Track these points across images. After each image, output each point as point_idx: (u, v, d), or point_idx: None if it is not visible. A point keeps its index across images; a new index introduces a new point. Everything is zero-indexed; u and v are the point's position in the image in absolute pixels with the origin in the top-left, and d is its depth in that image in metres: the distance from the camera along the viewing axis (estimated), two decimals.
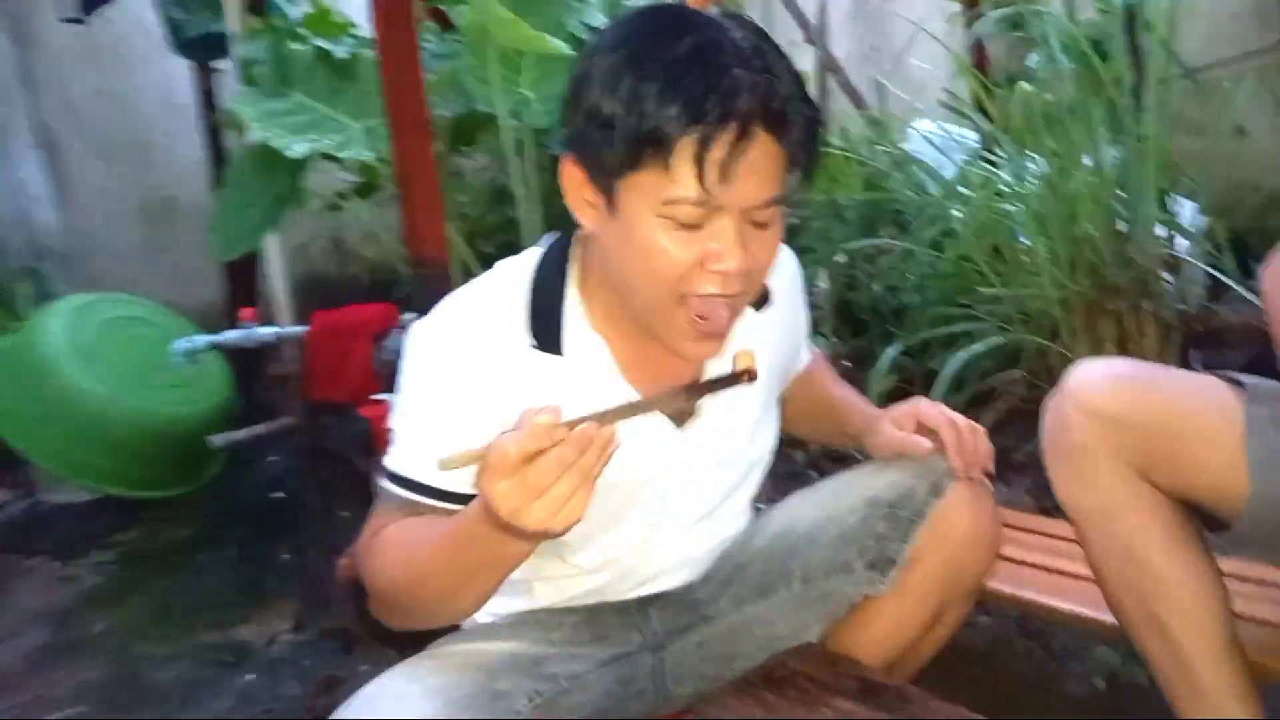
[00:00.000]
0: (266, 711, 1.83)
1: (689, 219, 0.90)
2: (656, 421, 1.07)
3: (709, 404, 1.10)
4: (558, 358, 1.02)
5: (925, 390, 2.11)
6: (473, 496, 0.96)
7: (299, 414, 2.78)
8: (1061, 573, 1.38)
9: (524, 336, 1.02)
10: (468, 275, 2.65)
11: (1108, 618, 1.25)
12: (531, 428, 0.78)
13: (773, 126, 0.89)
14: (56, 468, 2.83)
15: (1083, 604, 1.30)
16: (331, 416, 2.95)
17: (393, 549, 0.99)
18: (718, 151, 0.86)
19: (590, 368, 1.03)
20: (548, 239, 1.10)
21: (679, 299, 0.94)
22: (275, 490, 3.00)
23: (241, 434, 2.88)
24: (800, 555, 1.18)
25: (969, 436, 1.17)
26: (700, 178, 0.87)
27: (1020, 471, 2.08)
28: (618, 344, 1.04)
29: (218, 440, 2.80)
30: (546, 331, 1.02)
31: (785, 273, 1.19)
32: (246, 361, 3.34)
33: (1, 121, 3.48)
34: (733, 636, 1.19)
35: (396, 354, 2.74)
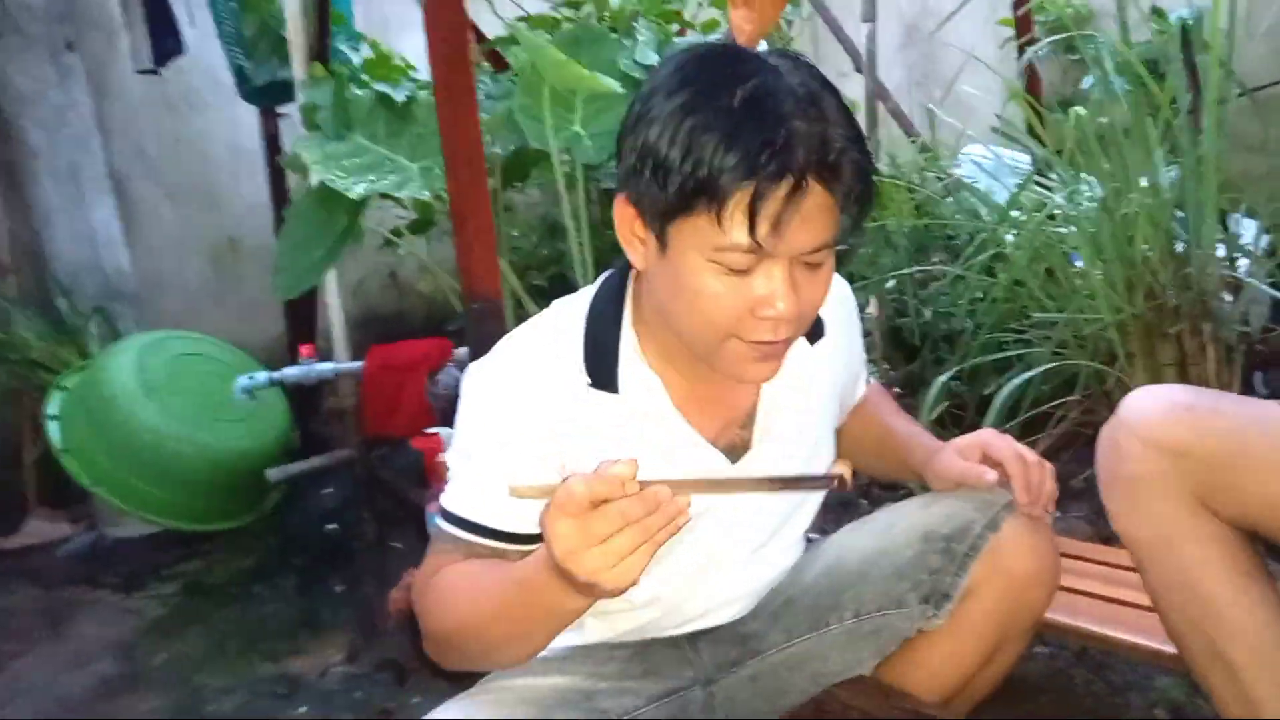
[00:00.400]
0: None
1: (739, 265, 0.90)
2: (709, 454, 1.07)
3: (762, 437, 1.10)
4: (614, 395, 1.03)
5: (977, 416, 2.08)
6: (528, 538, 1.00)
7: (355, 448, 2.83)
8: (1121, 602, 1.34)
9: (579, 375, 1.03)
10: (519, 308, 2.69)
11: (1169, 648, 1.20)
12: (604, 475, 0.79)
13: (826, 178, 0.89)
14: (121, 502, 2.90)
15: (1142, 634, 1.26)
16: (386, 450, 3.00)
17: (450, 593, 1.00)
18: (772, 205, 0.87)
19: (646, 405, 1.04)
20: (604, 276, 1.11)
21: (729, 338, 0.95)
22: (330, 523, 3.04)
23: (298, 467, 2.93)
24: (853, 589, 1.16)
25: (1036, 472, 1.14)
26: (752, 229, 0.87)
27: (1077, 498, 2.02)
28: (673, 381, 1.05)
29: (275, 474, 2.86)
30: (602, 369, 1.03)
31: (839, 302, 1.18)
32: (304, 396, 3.41)
33: (78, 169, 3.62)
34: (784, 670, 1.18)
35: (450, 388, 2.79)
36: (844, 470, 0.91)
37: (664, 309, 0.99)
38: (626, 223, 0.97)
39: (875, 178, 0.94)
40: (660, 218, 0.92)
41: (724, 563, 1.14)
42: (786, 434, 1.11)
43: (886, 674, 1.19)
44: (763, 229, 0.87)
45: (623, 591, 0.80)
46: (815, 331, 1.12)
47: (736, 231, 0.88)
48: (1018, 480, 1.13)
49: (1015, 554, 1.11)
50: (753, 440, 1.09)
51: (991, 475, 1.14)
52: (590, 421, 1.02)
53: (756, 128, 0.86)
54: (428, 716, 1.01)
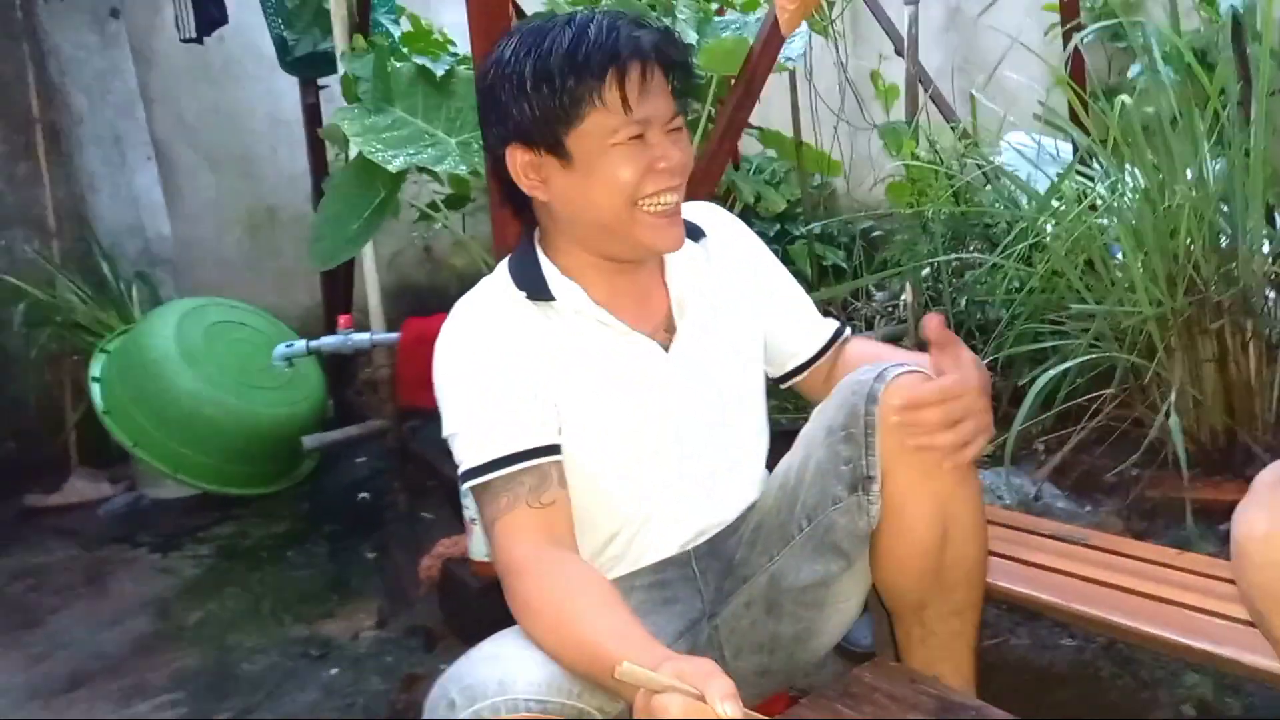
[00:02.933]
0: (349, 706, 1.88)
1: (633, 133, 1.12)
2: (642, 341, 1.22)
3: (682, 321, 1.24)
4: (552, 302, 1.19)
5: (1011, 407, 2.07)
6: (537, 450, 1.12)
7: (388, 418, 2.87)
8: (1151, 596, 1.34)
9: (516, 292, 1.19)
10: None
11: (1198, 643, 1.21)
12: (704, 710, 0.83)
13: (663, 59, 1.15)
14: (160, 464, 2.96)
15: (1172, 629, 1.25)
16: (419, 421, 3.03)
17: (538, 606, 1.04)
18: (634, 80, 1.11)
19: (575, 306, 1.20)
20: None
21: (635, 206, 1.14)
22: (363, 491, 3.09)
23: (333, 436, 2.98)
24: (799, 499, 1.22)
25: (956, 406, 1.12)
26: (626, 101, 1.11)
27: (1110, 493, 2.02)
28: (592, 285, 1.20)
29: (311, 441, 2.90)
30: (533, 285, 1.19)
31: (726, 220, 1.36)
32: (339, 366, 3.45)
33: (122, 135, 3.67)
34: (769, 590, 1.24)
35: None
36: None
37: (577, 215, 1.17)
38: (523, 169, 1.16)
39: (692, 67, 1.22)
40: (555, 136, 1.12)
41: (694, 461, 1.24)
42: (701, 319, 1.26)
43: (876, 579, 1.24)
44: (633, 97, 1.11)
45: None
46: (694, 234, 1.27)
47: (618, 109, 1.11)
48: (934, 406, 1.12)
49: (895, 408, 1.13)
50: (676, 327, 1.24)
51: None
52: (539, 331, 1.18)
53: (604, 35, 1.11)
54: (491, 641, 1.05)
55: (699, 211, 1.34)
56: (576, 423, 1.18)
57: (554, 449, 1.14)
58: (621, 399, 1.20)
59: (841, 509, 1.18)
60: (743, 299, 1.32)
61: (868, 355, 1.33)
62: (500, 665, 0.99)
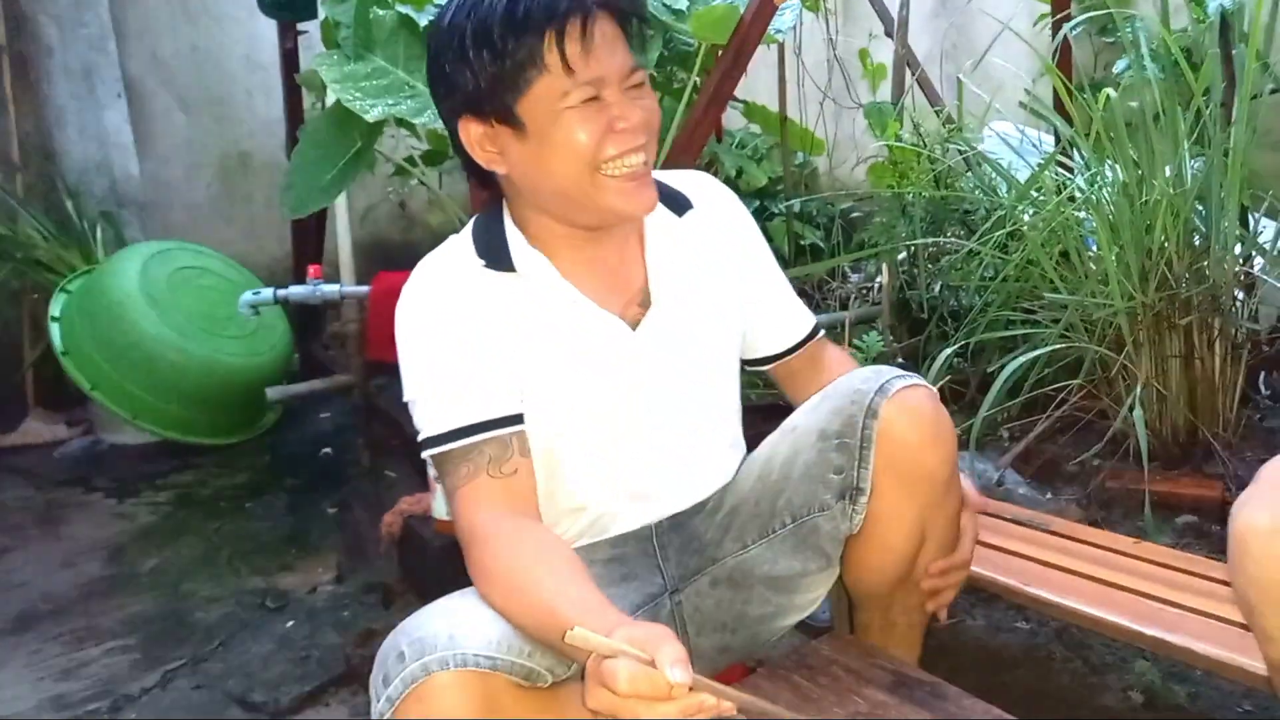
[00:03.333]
0: (304, 659, 1.87)
1: (585, 95, 1.05)
2: (609, 321, 1.17)
3: (658, 298, 1.19)
4: (512, 274, 1.14)
5: (979, 393, 2.08)
6: (498, 420, 1.09)
7: (355, 373, 2.84)
8: (1106, 583, 1.36)
9: (475, 260, 1.14)
10: None
11: (1150, 630, 1.23)
12: (654, 676, 0.81)
13: (608, 7, 1.07)
14: (118, 409, 2.91)
15: (1126, 615, 1.27)
16: (385, 378, 3.01)
17: (497, 572, 1.02)
18: (574, 36, 1.03)
19: (542, 282, 1.15)
20: None
21: (596, 171, 1.07)
22: (326, 446, 3.05)
23: (298, 389, 2.94)
24: (783, 495, 1.21)
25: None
26: (567, 62, 1.03)
27: (1070, 482, 2.04)
28: (562, 260, 1.15)
29: (274, 393, 2.87)
30: (495, 254, 1.14)
31: (716, 190, 1.29)
32: (306, 318, 3.41)
33: (92, 69, 3.58)
34: (739, 575, 1.24)
35: None
36: None
37: (538, 185, 1.11)
38: (478, 141, 1.10)
39: (645, 14, 1.14)
40: (504, 104, 1.06)
41: (661, 435, 1.21)
42: (677, 297, 1.20)
43: (847, 582, 1.26)
44: (577, 56, 1.03)
45: None
46: (679, 207, 1.23)
47: (562, 71, 1.03)
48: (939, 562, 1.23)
49: (901, 432, 1.14)
50: (650, 303, 1.18)
51: None
52: (498, 303, 1.13)
53: None
54: (444, 600, 1.04)
55: (690, 181, 1.28)
56: (539, 398, 1.14)
57: (516, 419, 1.11)
58: (585, 377, 1.16)
59: (827, 515, 1.18)
60: (724, 278, 1.26)
61: (843, 364, 1.34)
62: (453, 620, 0.97)
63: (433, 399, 1.09)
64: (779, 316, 1.33)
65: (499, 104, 1.06)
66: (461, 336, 1.10)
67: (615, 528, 1.23)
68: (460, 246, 1.17)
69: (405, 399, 1.12)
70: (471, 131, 1.10)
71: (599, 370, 1.16)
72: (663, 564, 1.25)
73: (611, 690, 0.82)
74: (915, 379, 1.17)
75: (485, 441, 1.08)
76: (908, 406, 1.14)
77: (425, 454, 1.11)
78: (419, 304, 1.13)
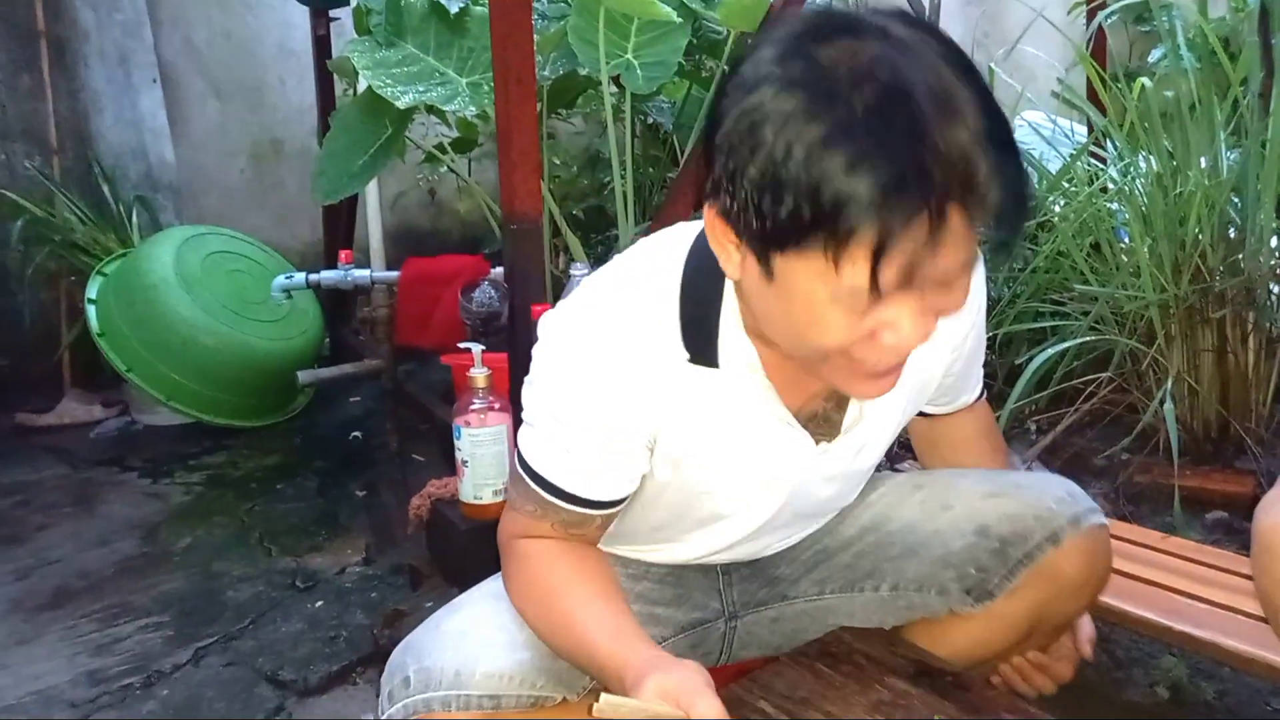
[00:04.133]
0: (333, 639, 1.90)
1: (861, 308, 0.76)
2: (796, 435, 1.00)
3: (852, 429, 1.02)
4: (714, 370, 0.94)
5: (1006, 385, 2.07)
6: (597, 503, 0.99)
7: (384, 358, 2.87)
8: (1134, 577, 1.35)
9: (678, 349, 0.93)
10: (556, 235, 2.68)
11: (1178, 625, 1.22)
12: None
13: (970, 205, 0.72)
14: (153, 390, 2.95)
15: (1154, 610, 1.27)
16: (415, 363, 3.03)
17: (535, 593, 0.99)
18: (904, 247, 0.71)
19: (743, 379, 0.95)
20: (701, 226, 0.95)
21: (841, 356, 0.82)
22: (355, 430, 3.09)
23: (328, 372, 2.97)
24: (895, 561, 1.14)
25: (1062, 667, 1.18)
26: (876, 276, 0.72)
27: (1099, 475, 2.03)
28: (772, 359, 0.94)
29: (305, 377, 2.89)
30: (702, 343, 0.93)
31: (966, 304, 1.04)
32: (337, 303, 3.44)
33: (128, 55, 3.62)
34: (806, 619, 1.18)
35: (484, 306, 2.79)
36: None
37: (764, 321, 0.87)
38: (718, 233, 0.82)
39: (1031, 196, 0.77)
40: (763, 246, 0.77)
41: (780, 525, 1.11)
42: (877, 420, 1.03)
43: (909, 636, 1.19)
44: (890, 276, 0.72)
45: None
46: None
47: (859, 277, 0.72)
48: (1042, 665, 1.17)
49: (1070, 568, 1.08)
50: (843, 425, 1.02)
51: None
52: (686, 395, 0.94)
53: (884, 146, 0.69)
54: (469, 598, 1.03)
55: None
56: (683, 477, 1.00)
57: (612, 504, 1.00)
58: (743, 475, 1.02)
59: (943, 601, 1.11)
60: (933, 375, 1.09)
61: (989, 436, 1.26)
62: (461, 650, 0.95)
63: (558, 450, 0.97)
64: (959, 385, 1.17)
65: (754, 240, 0.77)
66: (617, 425, 0.94)
67: (685, 557, 1.13)
68: (664, 318, 0.93)
69: (525, 400, 0.99)
70: (714, 223, 0.82)
71: (763, 475, 1.02)
72: (724, 589, 1.18)
73: None
74: (1104, 518, 1.11)
75: (570, 511, 0.99)
76: (1090, 548, 1.08)
77: (515, 469, 1.02)
78: (589, 370, 0.93)
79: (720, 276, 0.90)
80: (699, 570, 1.17)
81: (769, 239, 0.75)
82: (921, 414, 1.19)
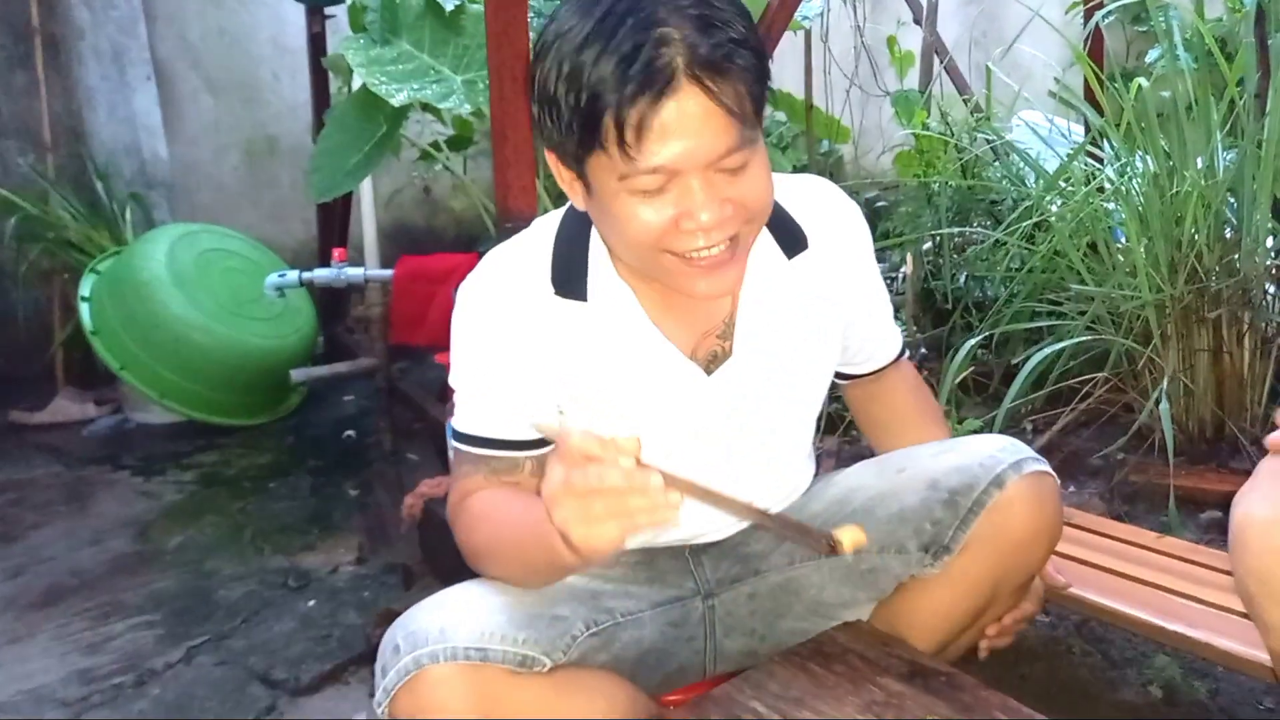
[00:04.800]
0: (325, 638, 1.89)
1: (650, 186, 0.89)
2: (683, 367, 1.07)
3: (741, 347, 1.09)
4: (582, 304, 1.05)
5: (1002, 385, 2.07)
6: (518, 443, 1.08)
7: (378, 357, 2.86)
8: (1128, 576, 1.35)
9: (545, 285, 1.05)
10: None
11: (1171, 625, 1.22)
12: (597, 436, 0.80)
13: (707, 82, 0.85)
14: (146, 389, 2.95)
15: (1147, 610, 1.26)
16: (408, 362, 3.03)
17: (479, 520, 1.05)
18: (651, 119, 0.85)
19: (615, 313, 1.05)
20: None
21: (664, 253, 0.94)
22: (349, 428, 3.08)
23: (322, 371, 2.97)
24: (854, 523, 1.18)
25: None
26: (637, 147, 0.86)
27: (1094, 475, 2.02)
28: (646, 292, 1.05)
29: (299, 375, 2.89)
30: (569, 278, 1.05)
31: (837, 219, 1.14)
32: (330, 301, 3.43)
33: (122, 52, 3.61)
34: (781, 593, 1.21)
35: None
36: (844, 538, 0.88)
37: (607, 237, 1.01)
38: (558, 170, 0.97)
39: (766, 78, 0.91)
40: (574, 161, 0.92)
41: (728, 480, 1.12)
42: (766, 346, 1.10)
43: (878, 620, 1.21)
44: (649, 145, 0.85)
45: (595, 555, 0.82)
46: (793, 244, 1.10)
47: (629, 153, 0.86)
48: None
49: (1018, 514, 1.11)
50: (732, 350, 1.09)
51: None
52: (561, 331, 1.05)
53: (620, 40, 0.84)
54: (451, 589, 1.05)
55: (812, 202, 1.12)
56: (596, 427, 1.06)
57: (537, 443, 1.07)
58: (647, 415, 1.09)
59: (902, 560, 1.15)
60: (827, 317, 1.15)
61: (916, 392, 1.32)
62: (444, 613, 0.99)
63: (467, 400, 1.09)
64: (870, 341, 1.25)
65: (566, 154, 0.93)
66: (509, 358, 1.05)
67: (654, 541, 1.19)
68: (535, 260, 1.06)
69: (451, 383, 1.11)
70: (551, 158, 0.98)
71: (663, 411, 1.09)
72: (695, 569, 1.21)
73: (566, 455, 0.80)
74: (1044, 464, 1.14)
75: (496, 457, 1.08)
76: (1035, 493, 1.11)
77: (450, 439, 1.13)
78: (478, 308, 1.06)
79: (588, 231, 1.04)
80: (669, 553, 1.21)
81: (574, 151, 0.90)
82: (849, 377, 1.28)
